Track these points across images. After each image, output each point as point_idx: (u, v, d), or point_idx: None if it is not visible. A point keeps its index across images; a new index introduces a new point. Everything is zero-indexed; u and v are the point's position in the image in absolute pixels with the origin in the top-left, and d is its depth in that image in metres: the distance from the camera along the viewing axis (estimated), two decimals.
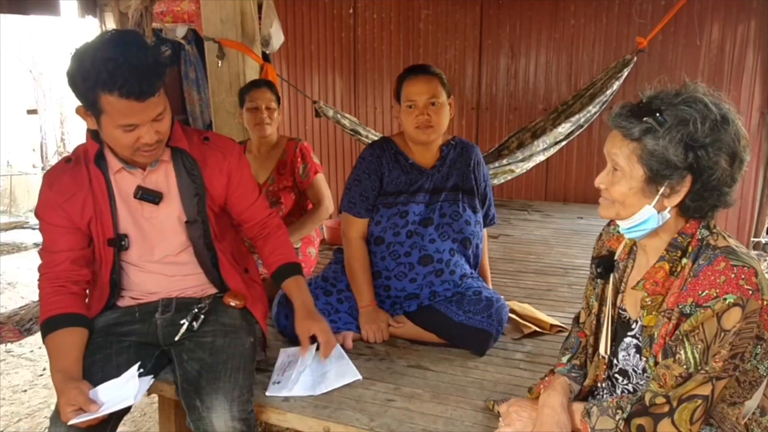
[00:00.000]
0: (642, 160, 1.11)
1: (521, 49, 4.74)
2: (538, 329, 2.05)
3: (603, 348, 1.31)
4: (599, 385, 1.35)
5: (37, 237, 5.92)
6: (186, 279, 1.71)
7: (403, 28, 5.02)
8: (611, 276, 1.32)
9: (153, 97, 1.40)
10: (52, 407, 1.47)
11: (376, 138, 3.58)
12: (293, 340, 1.78)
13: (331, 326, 1.97)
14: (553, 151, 3.60)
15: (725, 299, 1.05)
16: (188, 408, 1.47)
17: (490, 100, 4.91)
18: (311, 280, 2.15)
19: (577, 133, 3.57)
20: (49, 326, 1.52)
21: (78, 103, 1.44)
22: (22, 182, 7.58)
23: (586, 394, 1.39)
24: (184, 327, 1.61)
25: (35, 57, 8.32)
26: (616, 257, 1.33)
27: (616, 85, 3.48)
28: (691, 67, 4.23)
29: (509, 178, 3.65)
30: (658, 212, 1.14)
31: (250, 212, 1.77)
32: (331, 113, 3.77)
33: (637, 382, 1.26)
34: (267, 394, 1.60)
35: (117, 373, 1.48)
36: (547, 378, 1.46)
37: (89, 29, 5.59)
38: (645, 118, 1.10)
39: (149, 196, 1.59)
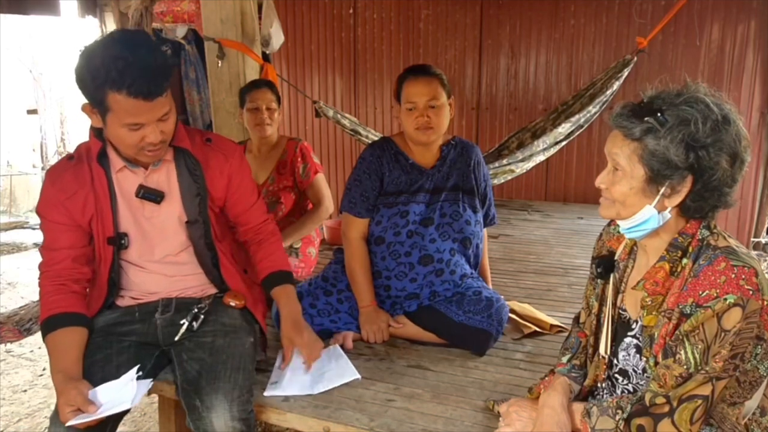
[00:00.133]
0: (643, 160, 1.11)
1: (521, 49, 4.74)
2: (538, 329, 2.05)
3: (603, 348, 1.31)
4: (599, 385, 1.35)
5: (37, 237, 5.92)
6: (186, 279, 1.71)
7: (403, 28, 5.02)
8: (611, 276, 1.32)
9: (160, 97, 1.40)
10: (52, 407, 1.47)
11: (376, 138, 3.58)
12: None
13: (331, 326, 1.99)
14: (553, 151, 3.60)
15: (725, 299, 1.05)
16: (188, 408, 1.47)
17: (490, 100, 4.91)
18: (311, 280, 2.15)
19: (577, 133, 3.57)
20: (49, 325, 1.52)
21: (84, 100, 1.45)
22: (22, 182, 7.59)
23: (586, 394, 1.39)
24: (184, 327, 1.61)
25: (35, 57, 8.32)
26: (616, 257, 1.33)
27: (616, 85, 3.48)
28: (691, 67, 4.23)
29: (509, 178, 3.65)
30: (659, 212, 1.14)
31: (247, 215, 1.77)
32: (331, 113, 3.77)
33: (637, 382, 1.26)
34: (265, 394, 1.60)
35: (117, 372, 1.48)
36: (547, 378, 1.46)
37: (89, 29, 5.59)
38: (646, 118, 1.10)
39: (151, 195, 1.59)
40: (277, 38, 3.48)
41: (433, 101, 1.94)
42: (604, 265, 1.32)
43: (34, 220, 6.66)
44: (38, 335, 2.15)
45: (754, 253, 3.43)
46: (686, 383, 1.09)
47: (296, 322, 1.68)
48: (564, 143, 3.58)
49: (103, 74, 1.35)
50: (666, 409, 1.10)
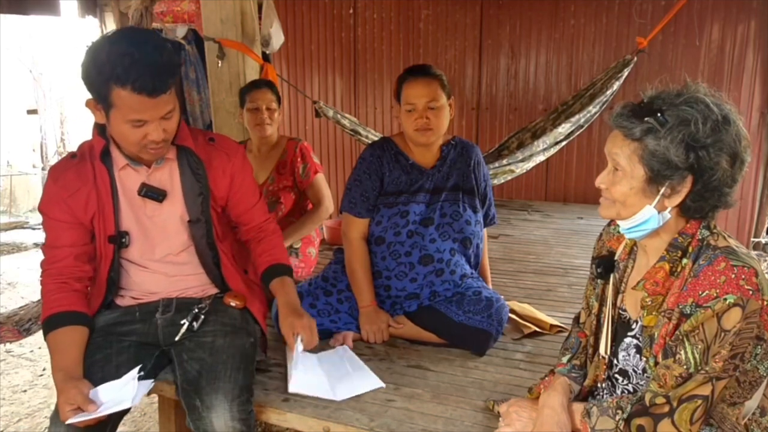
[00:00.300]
0: (643, 160, 1.11)
1: (521, 49, 4.74)
2: (538, 329, 2.05)
3: (603, 348, 1.31)
4: (599, 385, 1.35)
5: (37, 237, 5.92)
6: (186, 279, 1.71)
7: (403, 28, 5.02)
8: (611, 276, 1.32)
9: (164, 95, 1.40)
10: (52, 407, 1.47)
11: (376, 138, 3.59)
12: None
13: (331, 326, 1.99)
14: (553, 151, 3.60)
15: (725, 299, 1.05)
16: (188, 408, 1.47)
17: (490, 100, 4.91)
18: (311, 280, 2.15)
19: (577, 133, 3.57)
20: (50, 324, 1.52)
21: (88, 96, 1.45)
22: (22, 182, 7.59)
23: (586, 395, 1.39)
24: (185, 327, 1.61)
25: (35, 57, 8.32)
26: (616, 257, 1.33)
27: (616, 85, 3.48)
28: (691, 67, 4.23)
29: (509, 178, 3.65)
30: (659, 212, 1.14)
31: (249, 215, 1.77)
32: (331, 113, 3.77)
33: (637, 383, 1.26)
34: (290, 390, 1.57)
35: (117, 372, 1.48)
36: (547, 378, 1.46)
37: (89, 29, 5.59)
38: (646, 118, 1.10)
39: (153, 193, 1.59)
40: (277, 38, 3.48)
41: (433, 103, 1.94)
42: (604, 265, 1.32)
43: (34, 220, 6.66)
44: (38, 335, 2.15)
45: (754, 253, 3.43)
46: (686, 383, 1.09)
47: (294, 308, 1.65)
48: (564, 143, 3.58)
49: (109, 69, 1.35)
50: (666, 409, 1.10)
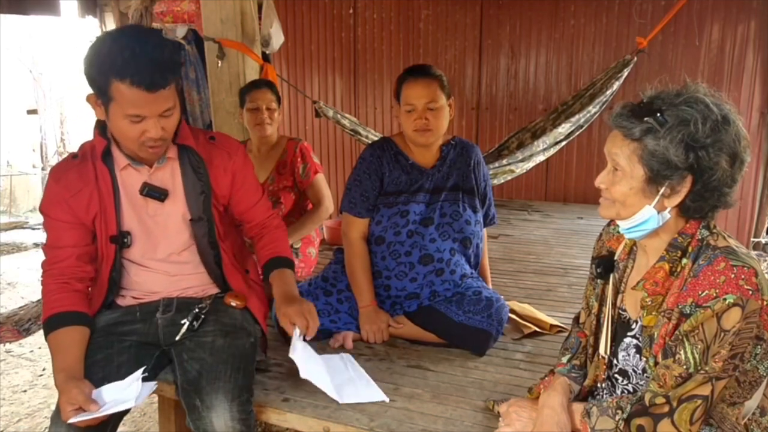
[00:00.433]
0: (643, 160, 1.11)
1: (521, 49, 4.74)
2: (538, 329, 2.05)
3: (603, 348, 1.31)
4: (599, 385, 1.35)
5: (36, 237, 5.92)
6: (187, 278, 1.71)
7: (403, 28, 5.02)
8: (611, 276, 1.32)
9: (163, 90, 1.41)
10: (52, 407, 1.47)
11: (376, 138, 3.58)
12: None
13: (331, 326, 1.99)
14: (553, 151, 3.60)
15: (725, 299, 1.05)
16: (188, 408, 1.47)
17: (490, 100, 4.91)
18: (311, 280, 2.15)
19: (577, 133, 3.57)
20: (51, 324, 1.52)
21: (90, 91, 1.46)
22: (22, 182, 7.59)
23: (586, 395, 1.39)
24: (185, 327, 1.61)
25: (35, 57, 8.32)
26: (616, 257, 1.33)
27: (616, 85, 3.48)
28: (691, 67, 4.23)
29: (509, 178, 3.65)
30: (659, 212, 1.14)
31: (252, 212, 1.77)
32: (331, 113, 3.77)
33: (637, 383, 1.26)
34: (302, 376, 1.51)
35: (117, 372, 1.48)
36: (547, 378, 1.46)
37: (89, 29, 5.59)
38: (646, 119, 1.10)
39: (155, 192, 1.59)
40: (277, 38, 3.48)
41: (432, 103, 1.94)
42: (604, 265, 1.32)
43: (34, 220, 6.66)
44: (38, 335, 2.15)
45: (753, 253, 3.43)
46: (686, 383, 1.09)
47: (288, 296, 1.62)
48: (564, 143, 3.58)
49: (109, 63, 1.37)
50: (666, 409, 1.10)
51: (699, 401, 1.08)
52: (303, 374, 1.52)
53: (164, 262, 1.67)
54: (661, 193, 1.12)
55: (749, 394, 1.18)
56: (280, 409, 1.56)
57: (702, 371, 1.08)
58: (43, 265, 1.60)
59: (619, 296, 1.31)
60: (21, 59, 8.23)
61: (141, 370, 1.48)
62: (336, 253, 2.24)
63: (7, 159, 7.94)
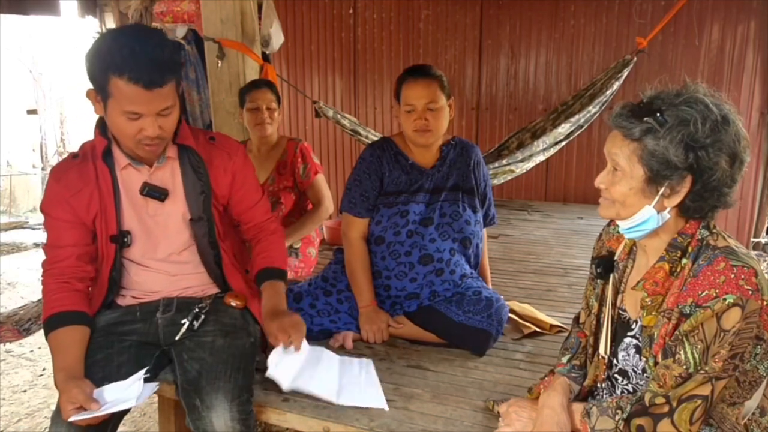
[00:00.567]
0: (642, 160, 1.11)
1: (521, 50, 4.74)
2: (537, 329, 2.05)
3: (603, 348, 1.31)
4: (599, 385, 1.35)
5: (36, 237, 5.92)
6: (188, 278, 1.71)
7: (403, 28, 5.02)
8: (611, 276, 1.32)
9: (161, 89, 1.41)
10: (52, 407, 1.47)
11: (376, 138, 3.58)
12: None
13: (331, 326, 1.99)
14: (553, 151, 3.60)
15: (725, 299, 1.05)
16: (188, 408, 1.47)
17: (490, 100, 4.91)
18: (311, 280, 2.15)
19: (577, 133, 3.57)
20: (51, 323, 1.52)
21: (90, 86, 1.47)
22: (22, 182, 7.60)
23: (585, 395, 1.39)
24: (185, 326, 1.61)
25: (35, 57, 8.33)
26: (615, 257, 1.33)
27: (615, 85, 3.48)
28: (691, 68, 4.23)
29: (509, 178, 3.65)
30: (658, 212, 1.14)
31: (250, 213, 1.77)
32: (331, 113, 3.77)
33: (637, 383, 1.26)
34: (285, 388, 1.53)
35: (117, 372, 1.49)
36: (546, 378, 1.46)
37: (89, 29, 5.59)
38: (646, 119, 1.10)
39: (155, 192, 1.59)
40: (277, 38, 3.49)
41: (432, 104, 1.94)
42: (604, 265, 1.32)
43: (34, 220, 6.66)
44: (38, 335, 2.14)
45: (753, 253, 3.43)
46: (686, 383, 1.09)
47: (274, 311, 1.60)
48: (564, 143, 3.58)
49: (108, 59, 1.38)
50: (665, 409, 1.10)
51: (699, 401, 1.08)
52: (285, 388, 1.53)
53: (164, 261, 1.67)
54: (660, 193, 1.12)
55: (749, 394, 1.18)
56: (280, 409, 1.56)
57: (702, 371, 1.08)
58: (44, 264, 1.60)
59: (619, 296, 1.31)
60: (21, 59, 8.23)
61: (143, 370, 1.48)
62: (336, 253, 2.24)
63: (7, 159, 7.94)
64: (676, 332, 1.11)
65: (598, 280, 1.35)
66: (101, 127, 1.57)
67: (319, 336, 1.96)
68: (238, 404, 1.43)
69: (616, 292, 1.31)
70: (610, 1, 4.39)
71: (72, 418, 1.34)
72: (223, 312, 1.67)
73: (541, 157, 3.61)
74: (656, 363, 1.15)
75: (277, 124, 2.74)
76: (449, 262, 2.00)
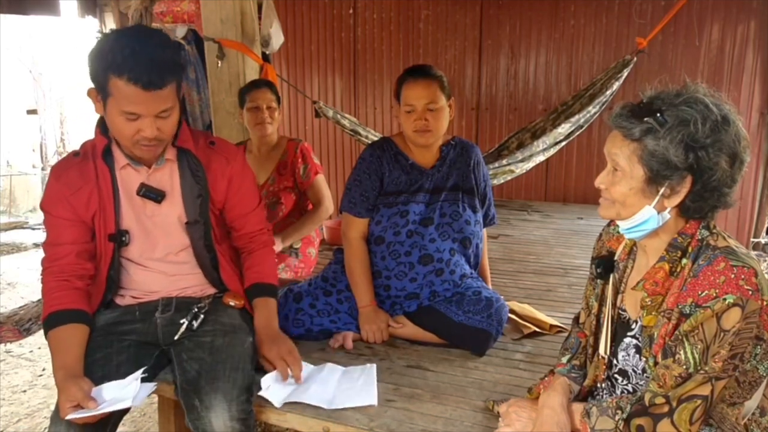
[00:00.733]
0: (642, 160, 1.11)
1: (521, 50, 4.74)
2: (537, 329, 2.05)
3: (603, 348, 1.31)
4: (599, 385, 1.35)
5: (36, 237, 5.92)
6: (186, 278, 1.71)
7: (403, 28, 5.02)
8: (611, 276, 1.32)
9: (160, 90, 1.41)
10: (52, 407, 1.47)
11: (376, 138, 3.58)
12: (293, 340, 1.77)
13: (331, 326, 1.99)
14: (552, 151, 3.60)
15: (725, 299, 1.05)
16: (187, 408, 1.46)
17: (490, 100, 4.91)
18: (311, 280, 2.15)
19: (577, 133, 3.57)
20: (51, 322, 1.52)
21: (91, 85, 1.48)
22: (22, 182, 7.60)
23: (585, 395, 1.39)
24: (184, 326, 1.61)
25: (35, 57, 8.33)
26: (615, 257, 1.33)
27: (615, 85, 3.48)
28: (691, 68, 4.23)
29: (509, 178, 3.65)
30: (658, 213, 1.14)
31: (243, 220, 1.77)
32: (331, 113, 3.77)
33: (637, 383, 1.26)
34: (277, 404, 1.53)
35: (117, 372, 1.48)
36: (546, 378, 1.46)
37: (89, 29, 5.60)
38: (646, 119, 1.10)
39: (151, 193, 1.59)
40: (277, 38, 3.49)
41: (432, 104, 1.94)
42: (604, 265, 1.32)
43: (34, 220, 6.66)
44: (38, 335, 2.14)
45: (753, 253, 3.43)
46: (686, 383, 1.09)
47: (268, 335, 1.63)
48: (564, 143, 3.58)
49: (109, 58, 1.39)
50: (665, 409, 1.10)
51: (699, 401, 1.08)
52: (278, 404, 1.52)
53: (162, 261, 1.67)
54: (660, 193, 1.12)
55: (749, 395, 1.18)
56: (280, 409, 1.56)
57: (702, 371, 1.08)
58: (43, 262, 1.61)
59: (619, 296, 1.31)
60: (21, 59, 8.23)
61: (141, 370, 1.48)
62: (336, 253, 2.24)
63: (7, 159, 7.95)
64: (676, 332, 1.11)
65: (598, 280, 1.35)
66: (102, 126, 1.57)
67: (319, 336, 1.96)
68: (237, 404, 1.43)
69: (616, 292, 1.31)
70: (610, 1, 4.39)
71: (69, 416, 1.34)
72: (222, 312, 1.67)
73: (541, 158, 3.61)
74: (656, 363, 1.15)
75: (278, 124, 2.74)
76: (449, 262, 2.00)
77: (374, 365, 1.75)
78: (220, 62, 3.11)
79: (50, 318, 1.53)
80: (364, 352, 1.90)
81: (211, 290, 1.74)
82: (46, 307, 1.55)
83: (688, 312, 1.09)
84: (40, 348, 3.36)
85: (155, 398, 2.27)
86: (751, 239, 4.30)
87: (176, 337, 1.62)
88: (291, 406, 1.56)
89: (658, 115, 1.09)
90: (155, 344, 1.64)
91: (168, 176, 1.63)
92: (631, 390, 1.27)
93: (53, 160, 7.88)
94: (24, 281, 4.58)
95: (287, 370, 1.58)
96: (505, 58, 4.80)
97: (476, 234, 2.08)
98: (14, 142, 7.96)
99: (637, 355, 1.24)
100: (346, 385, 1.64)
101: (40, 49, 8.40)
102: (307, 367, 1.67)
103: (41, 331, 1.59)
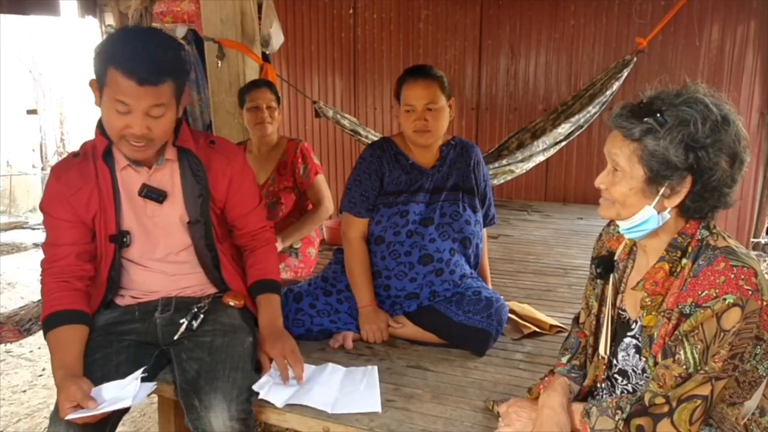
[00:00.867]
0: (642, 160, 1.11)
1: (521, 50, 4.74)
2: (537, 329, 2.05)
3: (603, 348, 1.31)
4: (599, 385, 1.35)
5: (36, 237, 5.92)
6: (186, 278, 1.71)
7: (403, 28, 5.02)
8: (611, 276, 1.32)
9: (154, 87, 1.42)
10: (52, 407, 1.47)
11: (376, 138, 3.58)
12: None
13: (331, 326, 1.99)
14: (552, 151, 3.60)
15: (725, 299, 1.05)
16: (187, 408, 1.46)
17: (490, 100, 4.91)
18: (311, 280, 2.15)
19: (577, 133, 3.57)
20: (51, 322, 1.52)
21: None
22: (22, 182, 7.60)
23: (585, 395, 1.39)
24: (184, 326, 1.61)
25: (35, 57, 8.33)
26: (615, 257, 1.33)
27: (615, 85, 3.48)
28: (691, 68, 4.23)
29: (509, 178, 3.65)
30: (658, 213, 1.14)
31: (244, 219, 1.77)
32: (330, 113, 3.77)
33: (637, 383, 1.26)
34: (279, 405, 1.53)
35: (116, 371, 1.48)
36: (546, 378, 1.46)
37: (89, 29, 5.60)
38: (646, 119, 1.10)
39: (153, 194, 1.59)
40: (277, 38, 3.49)
41: (432, 104, 1.94)
42: (604, 265, 1.32)
43: (34, 220, 6.66)
44: (38, 335, 2.14)
45: (753, 253, 3.43)
46: (685, 383, 1.09)
47: (272, 333, 1.63)
48: (564, 144, 3.58)
49: (111, 52, 1.42)
50: (665, 409, 1.10)
51: (698, 401, 1.08)
52: (280, 405, 1.52)
53: (162, 261, 1.67)
54: (661, 193, 1.12)
55: (749, 395, 1.18)
56: (280, 409, 1.56)
57: (702, 371, 1.08)
58: (43, 263, 1.61)
59: (619, 296, 1.31)
60: (21, 59, 8.24)
61: (141, 370, 1.48)
62: (336, 253, 2.24)
63: (7, 159, 7.95)
64: (676, 332, 1.11)
65: (598, 280, 1.35)
66: (102, 126, 1.57)
67: (319, 336, 1.97)
68: (236, 404, 1.43)
69: (616, 292, 1.31)
70: (610, 1, 4.39)
71: (69, 416, 1.34)
72: (222, 312, 1.67)
73: (541, 158, 3.61)
74: (656, 363, 1.15)
75: (277, 124, 2.74)
76: (449, 262, 2.00)
77: (375, 367, 1.75)
78: (220, 62, 3.11)
79: (50, 319, 1.53)
80: (364, 352, 1.90)
81: (211, 290, 1.74)
82: (45, 307, 1.55)
83: (688, 312, 1.09)
84: (40, 348, 3.36)
85: (155, 398, 2.27)
86: (751, 239, 4.31)
87: (176, 337, 1.62)
88: (291, 406, 1.56)
89: (658, 115, 1.09)
90: (155, 344, 1.64)
91: (169, 176, 1.63)
92: (630, 390, 1.27)
93: (53, 160, 7.88)
94: (24, 281, 4.58)
95: (287, 369, 1.58)
96: (505, 58, 4.80)
97: (476, 234, 2.08)
98: (14, 142, 7.97)
99: (637, 355, 1.24)
100: (348, 389, 1.63)
101: (40, 49, 8.41)
102: (308, 368, 1.67)
103: (41, 331, 1.59)
